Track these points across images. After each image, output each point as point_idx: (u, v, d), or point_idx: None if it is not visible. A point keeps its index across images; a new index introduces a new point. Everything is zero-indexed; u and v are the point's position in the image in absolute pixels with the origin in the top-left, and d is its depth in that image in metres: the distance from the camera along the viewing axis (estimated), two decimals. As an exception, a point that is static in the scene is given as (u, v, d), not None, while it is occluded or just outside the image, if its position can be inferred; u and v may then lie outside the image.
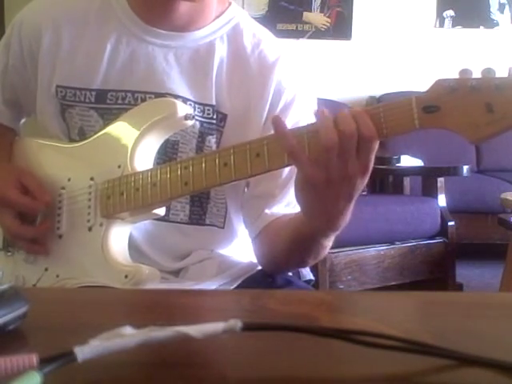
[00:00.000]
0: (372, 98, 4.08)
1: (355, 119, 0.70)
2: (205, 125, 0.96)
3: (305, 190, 0.77)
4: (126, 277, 0.86)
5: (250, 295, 0.67)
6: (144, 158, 0.92)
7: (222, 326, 0.43)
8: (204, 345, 0.45)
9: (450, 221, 2.66)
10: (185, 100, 0.94)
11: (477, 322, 0.58)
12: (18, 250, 0.99)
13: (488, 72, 0.67)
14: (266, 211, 0.94)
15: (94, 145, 0.96)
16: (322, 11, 4.18)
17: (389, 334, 0.46)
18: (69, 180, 0.96)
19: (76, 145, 0.98)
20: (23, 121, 1.12)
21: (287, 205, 0.94)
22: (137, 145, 0.91)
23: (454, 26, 4.22)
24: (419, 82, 3.89)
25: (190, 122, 0.91)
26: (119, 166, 0.91)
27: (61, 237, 0.95)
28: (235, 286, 0.95)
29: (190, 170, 0.84)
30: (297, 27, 4.16)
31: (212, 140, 0.96)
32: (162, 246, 0.98)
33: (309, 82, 1.02)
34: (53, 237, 0.95)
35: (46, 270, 0.95)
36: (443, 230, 2.65)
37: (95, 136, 0.96)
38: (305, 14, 4.18)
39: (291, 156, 0.74)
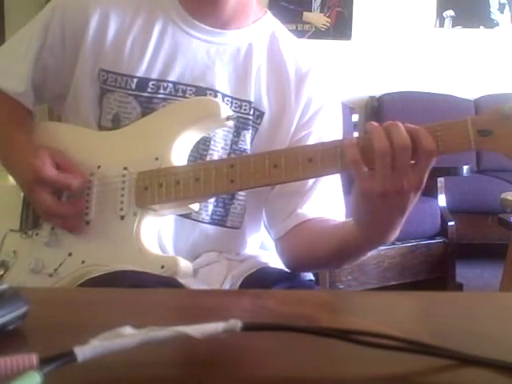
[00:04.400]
0: (372, 97, 4.07)
1: (415, 134, 0.74)
2: (240, 119, 0.98)
3: (361, 202, 0.80)
4: (163, 267, 0.87)
5: (250, 295, 0.67)
6: (181, 153, 0.94)
7: (221, 326, 0.43)
8: (204, 345, 0.45)
9: (450, 221, 2.66)
10: (223, 95, 0.98)
11: (477, 322, 0.58)
12: (37, 234, 0.97)
13: None
14: (298, 211, 0.96)
15: (130, 134, 0.97)
16: (322, 11, 4.18)
17: (389, 334, 0.46)
18: (99, 167, 0.96)
19: (109, 132, 0.98)
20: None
21: (317, 204, 0.96)
22: (177, 140, 0.93)
23: (454, 25, 4.22)
24: (419, 82, 3.90)
25: (230, 123, 0.94)
26: (157, 159, 0.92)
27: (88, 223, 0.94)
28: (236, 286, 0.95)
29: (237, 168, 0.86)
30: (297, 27, 4.16)
31: (247, 135, 0.99)
32: (177, 242, 0.98)
33: (337, 93, 1.06)
34: (80, 222, 0.95)
35: (70, 255, 0.94)
36: (443, 230, 2.66)
37: (131, 125, 0.97)
38: (305, 14, 4.17)
39: (353, 167, 0.77)
